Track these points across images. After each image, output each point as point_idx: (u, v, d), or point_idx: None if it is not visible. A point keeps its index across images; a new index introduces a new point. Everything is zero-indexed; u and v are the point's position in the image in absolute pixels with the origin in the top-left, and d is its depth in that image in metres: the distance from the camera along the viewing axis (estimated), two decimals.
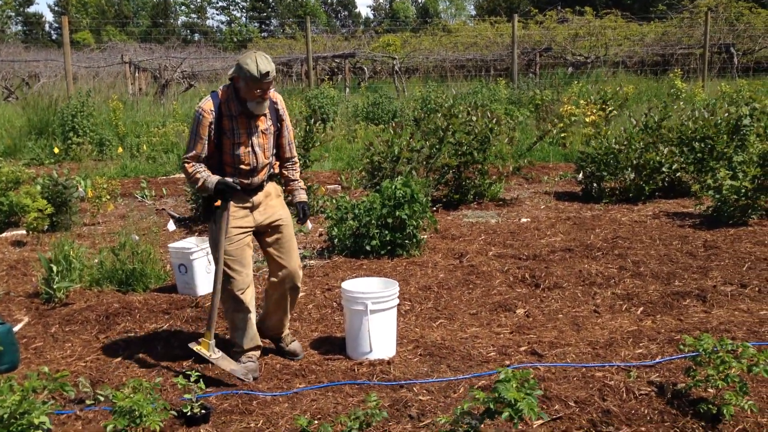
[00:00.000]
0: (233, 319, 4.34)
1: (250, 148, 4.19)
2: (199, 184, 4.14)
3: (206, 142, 4.13)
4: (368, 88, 20.40)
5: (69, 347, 4.76)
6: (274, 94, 4.28)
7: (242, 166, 4.20)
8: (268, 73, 3.96)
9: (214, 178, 4.14)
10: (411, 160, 8.46)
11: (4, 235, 7.77)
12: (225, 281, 4.24)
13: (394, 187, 6.69)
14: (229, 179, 4.17)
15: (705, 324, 4.90)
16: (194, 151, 4.14)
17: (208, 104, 4.11)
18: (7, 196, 7.96)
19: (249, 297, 4.33)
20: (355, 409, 3.34)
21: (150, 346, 4.75)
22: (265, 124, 4.25)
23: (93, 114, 13.79)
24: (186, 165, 4.17)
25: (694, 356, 3.87)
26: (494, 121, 8.75)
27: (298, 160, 4.61)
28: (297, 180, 4.59)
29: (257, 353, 4.38)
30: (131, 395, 2.89)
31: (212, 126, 4.11)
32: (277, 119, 4.34)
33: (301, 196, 4.55)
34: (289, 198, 4.66)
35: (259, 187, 4.33)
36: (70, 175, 9.77)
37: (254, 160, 4.23)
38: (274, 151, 4.40)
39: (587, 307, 5.39)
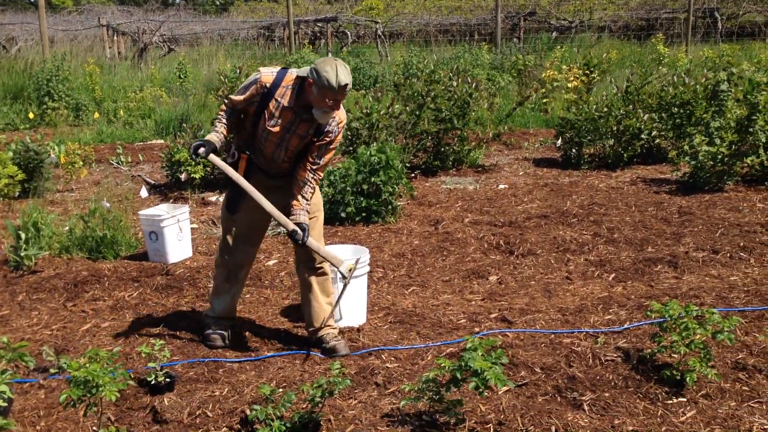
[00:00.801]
0: (220, 285, 4.26)
1: (277, 141, 3.94)
2: (214, 125, 4.06)
3: (247, 101, 3.92)
4: (351, 53, 20.17)
5: (36, 315, 4.70)
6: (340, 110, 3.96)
7: (262, 150, 4.01)
8: (346, 85, 3.70)
9: (210, 136, 3.95)
10: (390, 127, 8.38)
11: None
12: (224, 251, 4.17)
13: (369, 153, 6.63)
14: (215, 139, 3.93)
15: (675, 290, 4.91)
16: (233, 98, 3.97)
17: (268, 77, 3.87)
18: None
19: (243, 274, 4.29)
20: (319, 377, 3.33)
21: (118, 314, 4.71)
22: (306, 130, 3.94)
23: (69, 78, 13.54)
24: (222, 106, 4.08)
25: (660, 322, 3.88)
26: (474, 86, 8.66)
27: (315, 184, 4.05)
28: (305, 198, 4.00)
29: (228, 324, 4.32)
30: (87, 365, 2.85)
31: (257, 98, 3.89)
32: (322, 132, 3.94)
33: (301, 216, 3.97)
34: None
35: (278, 174, 4.10)
36: (44, 140, 9.63)
37: (274, 154, 3.99)
38: (299, 155, 4.04)
39: (560, 273, 5.39)
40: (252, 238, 4.25)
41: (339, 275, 4.17)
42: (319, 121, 3.85)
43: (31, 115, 12.52)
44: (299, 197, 3.98)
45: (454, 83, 8.75)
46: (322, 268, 4.16)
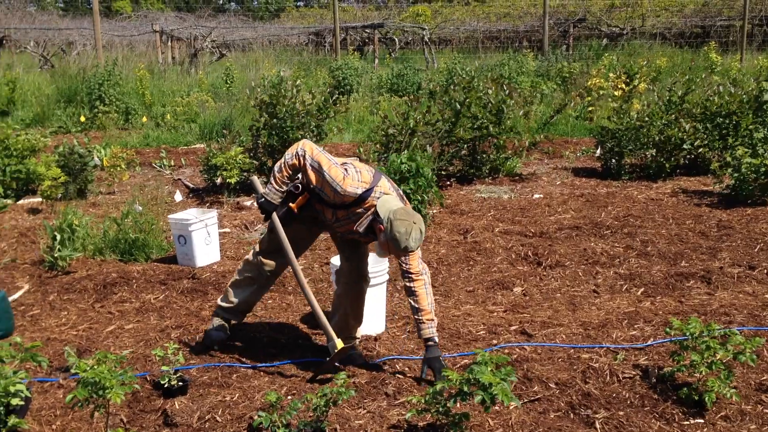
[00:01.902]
0: (243, 281, 4.22)
1: (337, 228, 3.97)
2: (276, 182, 3.88)
3: (299, 196, 3.89)
4: (397, 59, 20.21)
5: (65, 315, 4.82)
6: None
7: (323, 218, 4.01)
8: (411, 250, 3.66)
9: (276, 197, 3.90)
10: (426, 134, 8.36)
11: (20, 202, 7.90)
12: (261, 252, 4.12)
13: (400, 160, 6.63)
14: (276, 198, 3.91)
15: (705, 306, 4.77)
16: (304, 165, 3.76)
17: (351, 195, 3.71)
18: (24, 164, 8.07)
19: (272, 280, 4.26)
20: (323, 386, 3.33)
21: (143, 316, 4.80)
22: (368, 239, 3.95)
23: (119, 83, 13.89)
24: (293, 158, 3.80)
25: (681, 340, 3.78)
26: (508, 93, 8.58)
27: (420, 290, 3.86)
28: (418, 310, 3.87)
29: (236, 319, 4.31)
30: (95, 367, 2.91)
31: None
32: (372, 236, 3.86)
33: (426, 330, 3.87)
34: None
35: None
36: (92, 143, 9.90)
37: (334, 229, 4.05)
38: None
39: (587, 286, 5.30)
40: (294, 250, 4.27)
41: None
42: (378, 256, 3.85)
43: (82, 119, 12.86)
44: (413, 313, 3.88)
45: (489, 90, 8.68)
46: (362, 287, 4.12)
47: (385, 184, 3.82)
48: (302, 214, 3.97)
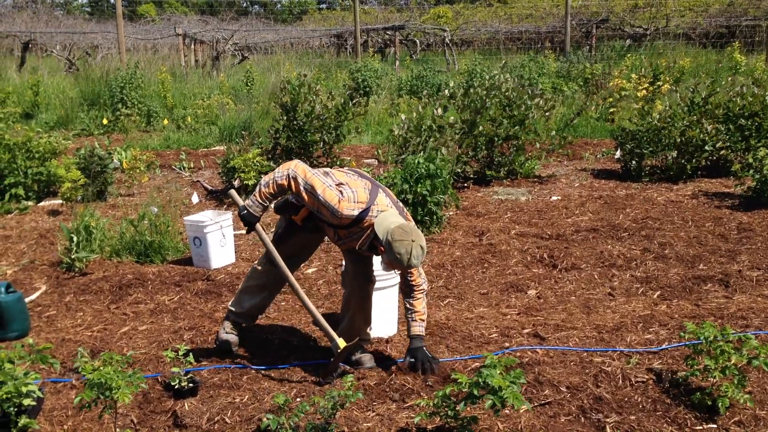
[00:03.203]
0: (253, 287, 4.22)
1: (340, 244, 4.00)
2: (260, 196, 3.82)
3: (310, 209, 3.83)
4: (418, 61, 20.19)
5: (80, 316, 4.87)
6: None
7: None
8: (414, 267, 3.66)
9: (258, 209, 3.84)
10: (443, 135, 8.33)
11: (41, 204, 8.00)
12: (270, 261, 4.07)
13: (416, 162, 6.61)
14: (258, 211, 3.86)
15: (722, 310, 4.70)
16: (297, 188, 3.73)
17: (349, 216, 3.69)
18: (45, 166, 8.18)
19: (282, 285, 4.25)
20: (331, 389, 3.33)
21: (157, 317, 4.83)
22: (371, 253, 3.94)
23: (141, 86, 14.04)
24: (282, 179, 3.76)
25: (695, 344, 3.72)
26: (527, 95, 8.53)
27: (418, 296, 3.96)
28: (410, 310, 3.98)
29: (243, 325, 4.29)
30: (101, 368, 2.94)
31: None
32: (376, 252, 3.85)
33: (415, 328, 3.98)
34: None
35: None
36: (113, 145, 10.00)
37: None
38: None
39: (602, 289, 5.24)
40: (301, 256, 4.30)
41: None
42: (383, 270, 3.88)
43: (105, 121, 13.00)
44: (406, 312, 3.95)
45: (509, 92, 8.63)
46: (368, 290, 4.12)
47: (382, 200, 3.78)
48: (306, 225, 3.99)
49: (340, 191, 3.71)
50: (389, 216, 3.70)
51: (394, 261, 3.59)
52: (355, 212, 3.69)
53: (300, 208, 3.94)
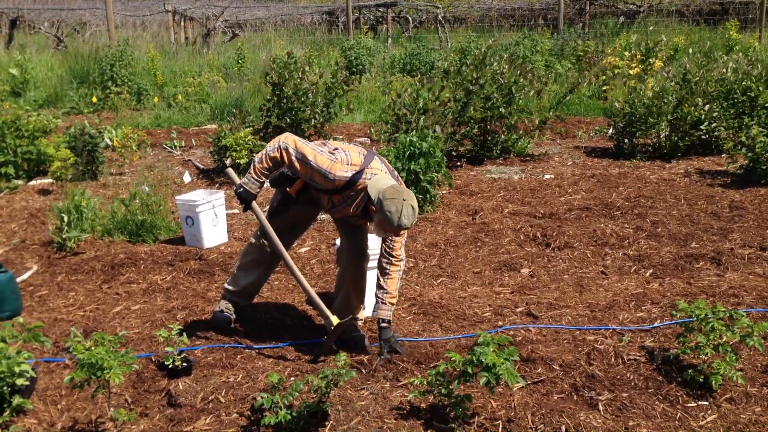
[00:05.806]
0: (248, 263, 4.23)
1: (333, 212, 4.01)
2: (255, 173, 3.84)
3: (304, 179, 3.83)
4: (411, 38, 20.05)
5: (72, 296, 4.85)
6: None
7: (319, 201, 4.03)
8: (404, 227, 3.65)
9: (254, 186, 3.86)
10: (436, 114, 8.29)
11: (31, 183, 7.94)
12: (264, 235, 4.05)
13: (409, 140, 6.58)
14: (255, 188, 3.87)
15: (714, 288, 4.72)
16: (292, 157, 3.74)
17: (342, 179, 3.70)
18: (35, 145, 8.10)
19: (277, 261, 4.24)
20: (324, 368, 3.33)
21: (150, 297, 4.82)
22: (365, 221, 3.99)
23: (131, 63, 13.89)
24: (274, 150, 3.78)
25: (687, 322, 3.74)
26: (518, 73, 8.49)
27: (394, 274, 3.89)
28: (381, 289, 3.91)
29: (243, 303, 4.31)
30: (92, 348, 2.93)
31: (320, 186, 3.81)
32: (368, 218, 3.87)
33: (381, 311, 3.92)
34: None
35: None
36: (104, 124, 9.90)
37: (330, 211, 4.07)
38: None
39: (595, 268, 5.26)
40: (295, 231, 4.28)
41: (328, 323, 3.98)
42: (376, 235, 3.84)
43: (94, 99, 12.88)
44: (377, 290, 3.89)
45: (503, 69, 8.59)
46: (362, 266, 4.12)
47: (376, 164, 3.79)
48: (300, 198, 3.97)
49: (333, 154, 3.74)
50: (382, 178, 3.72)
51: (384, 220, 3.60)
52: (348, 174, 3.70)
53: (294, 180, 3.93)
